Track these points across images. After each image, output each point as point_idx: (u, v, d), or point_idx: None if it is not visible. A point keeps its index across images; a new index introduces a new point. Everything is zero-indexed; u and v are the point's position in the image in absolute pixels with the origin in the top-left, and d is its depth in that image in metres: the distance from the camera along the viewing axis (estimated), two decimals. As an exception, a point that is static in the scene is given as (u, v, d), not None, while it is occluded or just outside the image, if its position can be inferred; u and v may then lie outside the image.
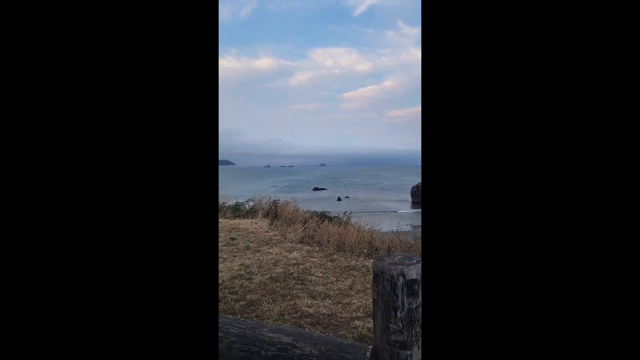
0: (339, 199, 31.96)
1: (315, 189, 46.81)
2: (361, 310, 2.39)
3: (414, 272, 1.28)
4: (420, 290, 1.31)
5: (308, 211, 6.61)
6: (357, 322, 2.21)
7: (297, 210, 6.58)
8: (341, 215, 6.43)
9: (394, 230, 5.91)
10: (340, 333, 2.07)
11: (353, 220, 6.15)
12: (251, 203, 7.26)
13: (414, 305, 1.29)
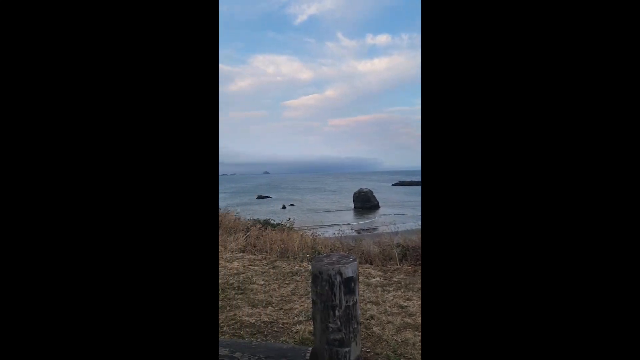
0: (284, 207, 31.73)
1: (260, 197, 45.78)
2: (303, 314, 2.38)
3: (350, 269, 1.31)
4: (357, 287, 1.35)
5: (251, 219, 6.45)
6: (298, 327, 2.19)
7: (239, 218, 6.37)
8: (284, 221, 6.39)
9: (336, 234, 6.04)
10: (281, 339, 2.03)
11: (296, 226, 6.14)
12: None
13: (351, 303, 1.32)
